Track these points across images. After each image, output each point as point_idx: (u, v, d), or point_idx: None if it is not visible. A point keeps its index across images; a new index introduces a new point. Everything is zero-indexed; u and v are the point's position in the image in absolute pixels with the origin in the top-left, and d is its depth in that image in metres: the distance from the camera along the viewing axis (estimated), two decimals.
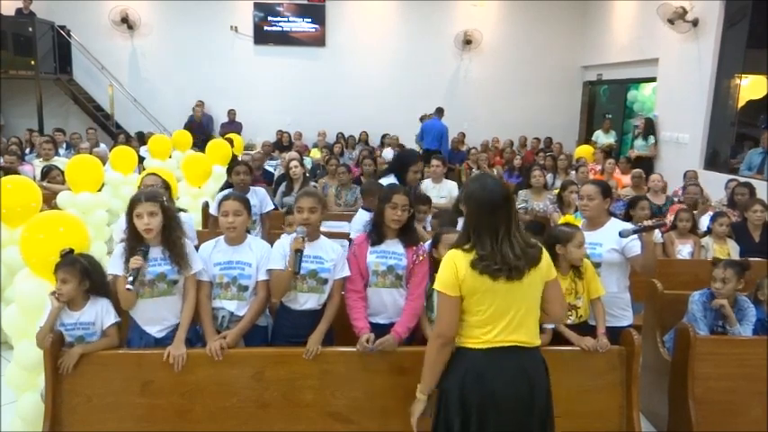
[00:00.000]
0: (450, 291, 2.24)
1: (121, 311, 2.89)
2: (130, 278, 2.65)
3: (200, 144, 9.19)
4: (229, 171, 4.67)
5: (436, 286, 2.28)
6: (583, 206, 3.37)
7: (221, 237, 3.02)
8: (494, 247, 2.18)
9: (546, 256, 2.31)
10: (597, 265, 3.24)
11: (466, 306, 2.26)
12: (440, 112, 10.41)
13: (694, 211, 5.48)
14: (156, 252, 2.80)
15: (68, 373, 2.70)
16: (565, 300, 2.53)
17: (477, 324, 2.25)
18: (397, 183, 4.26)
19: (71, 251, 2.83)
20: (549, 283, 2.33)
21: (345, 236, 4.05)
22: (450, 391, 2.28)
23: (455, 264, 2.23)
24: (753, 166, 7.84)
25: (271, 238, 3.86)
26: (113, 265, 2.79)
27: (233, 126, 11.90)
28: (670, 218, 5.42)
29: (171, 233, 2.81)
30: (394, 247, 2.99)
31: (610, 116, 11.86)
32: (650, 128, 9.85)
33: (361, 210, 4.34)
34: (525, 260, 2.20)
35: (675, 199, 6.60)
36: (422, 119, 11.27)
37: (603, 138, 11.03)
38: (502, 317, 2.22)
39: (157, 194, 2.89)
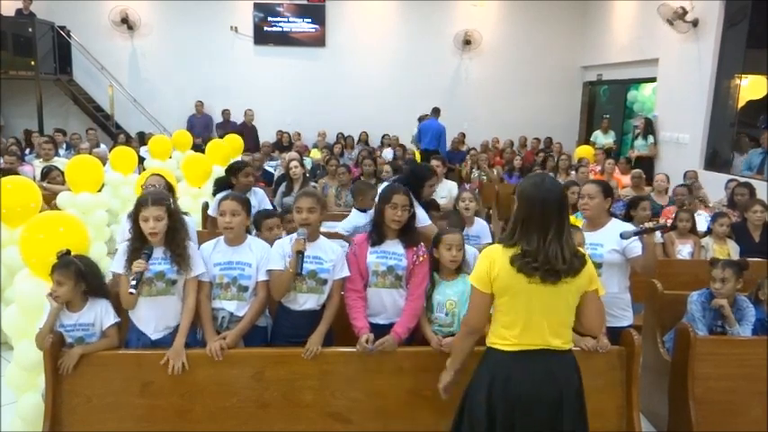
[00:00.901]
0: (481, 286, 2.25)
1: (121, 312, 2.89)
2: (134, 282, 2.66)
3: (252, 148, 10.07)
4: (234, 172, 4.66)
5: (470, 279, 2.31)
6: (583, 205, 3.36)
7: (221, 237, 3.02)
8: (540, 246, 2.14)
9: (591, 267, 2.27)
10: (598, 266, 3.22)
11: (497, 305, 2.25)
12: (436, 111, 10.42)
13: None
14: (157, 251, 2.80)
15: (68, 373, 2.69)
16: (604, 314, 2.48)
17: (507, 324, 2.23)
18: None
19: (68, 252, 2.83)
20: (589, 295, 2.27)
21: (345, 236, 4.06)
22: (476, 394, 2.27)
23: (491, 260, 2.22)
24: (753, 167, 7.84)
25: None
26: (116, 264, 2.81)
27: (228, 126, 11.87)
28: (661, 220, 5.42)
29: (175, 234, 2.81)
30: (394, 247, 2.99)
31: (607, 116, 11.82)
32: (649, 127, 9.86)
33: (354, 210, 4.33)
34: (568, 267, 2.16)
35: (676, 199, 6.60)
36: (420, 119, 11.28)
37: (602, 138, 11.02)
38: (532, 319, 2.20)
39: (164, 197, 2.88)
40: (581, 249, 2.27)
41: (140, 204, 2.77)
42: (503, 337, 2.25)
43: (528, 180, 2.30)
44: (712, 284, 3.44)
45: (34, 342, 2.79)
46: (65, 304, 2.77)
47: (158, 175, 4.19)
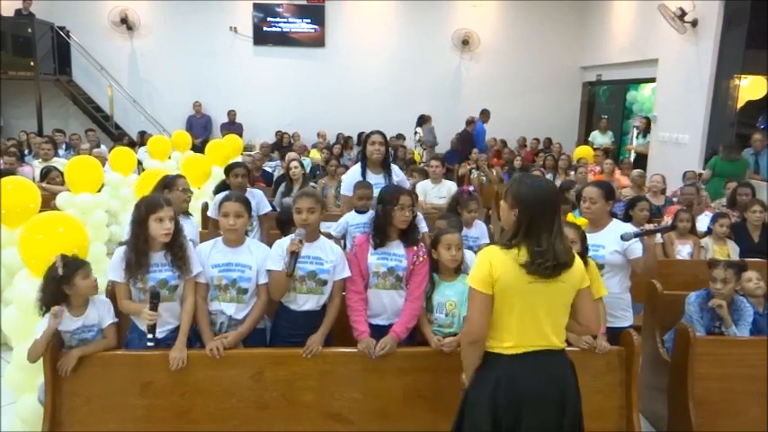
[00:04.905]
0: (482, 287, 2.17)
1: (120, 312, 2.88)
2: (150, 335, 2.66)
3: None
4: (227, 172, 4.65)
5: (469, 282, 2.22)
6: (585, 208, 3.37)
7: (219, 238, 3.01)
8: (549, 245, 2.13)
9: (581, 265, 2.27)
10: (600, 267, 3.23)
11: (496, 307, 2.20)
12: (486, 113, 11.16)
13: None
14: (157, 257, 2.78)
15: (67, 375, 2.69)
16: (600, 312, 2.46)
17: (507, 327, 2.20)
18: (360, 178, 4.29)
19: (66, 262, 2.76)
20: (582, 292, 2.26)
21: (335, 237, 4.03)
22: (478, 397, 2.23)
23: (490, 260, 2.17)
24: (749, 167, 7.83)
25: (270, 239, 3.86)
26: (114, 272, 2.77)
27: (233, 127, 11.89)
28: (667, 219, 5.42)
29: (176, 237, 2.80)
30: (395, 248, 2.99)
31: (606, 116, 11.80)
32: (649, 127, 9.95)
33: (352, 211, 4.30)
34: (567, 259, 2.17)
35: (674, 199, 6.60)
36: (421, 120, 11.28)
37: (600, 138, 11.01)
38: (532, 320, 2.18)
39: (171, 200, 2.88)
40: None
41: (156, 205, 2.72)
42: (504, 340, 2.21)
43: (522, 183, 2.24)
44: (713, 285, 3.43)
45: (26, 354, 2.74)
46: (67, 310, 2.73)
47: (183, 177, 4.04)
